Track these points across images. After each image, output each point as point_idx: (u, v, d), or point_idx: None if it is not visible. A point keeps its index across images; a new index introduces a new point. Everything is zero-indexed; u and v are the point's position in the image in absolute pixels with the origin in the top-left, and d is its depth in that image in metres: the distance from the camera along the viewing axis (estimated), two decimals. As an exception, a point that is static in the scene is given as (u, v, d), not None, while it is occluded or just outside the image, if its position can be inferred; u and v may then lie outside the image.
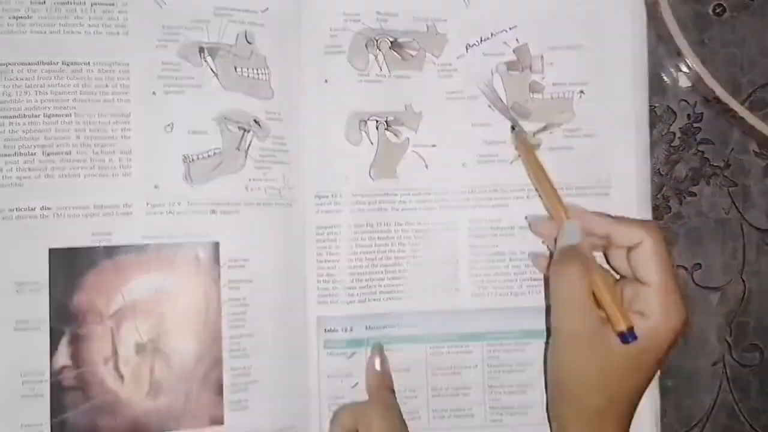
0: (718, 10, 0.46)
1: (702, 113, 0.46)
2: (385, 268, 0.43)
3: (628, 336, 0.35)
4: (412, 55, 0.44)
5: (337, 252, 0.43)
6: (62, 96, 0.39)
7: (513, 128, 0.43)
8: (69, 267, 0.39)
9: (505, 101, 0.44)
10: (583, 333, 0.36)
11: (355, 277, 0.43)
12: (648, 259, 0.36)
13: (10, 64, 0.39)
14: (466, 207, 0.44)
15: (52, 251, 0.39)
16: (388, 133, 0.43)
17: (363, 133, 0.43)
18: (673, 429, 0.44)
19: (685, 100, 0.46)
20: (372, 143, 0.43)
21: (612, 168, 0.44)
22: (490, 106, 0.44)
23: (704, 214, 0.46)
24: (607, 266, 0.40)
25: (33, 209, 0.39)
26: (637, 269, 0.37)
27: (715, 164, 0.46)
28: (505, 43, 0.44)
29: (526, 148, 0.42)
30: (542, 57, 0.44)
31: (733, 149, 0.46)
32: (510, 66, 0.44)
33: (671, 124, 0.46)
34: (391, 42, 0.43)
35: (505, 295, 0.44)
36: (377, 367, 0.42)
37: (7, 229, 0.39)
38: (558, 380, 0.38)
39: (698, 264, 0.46)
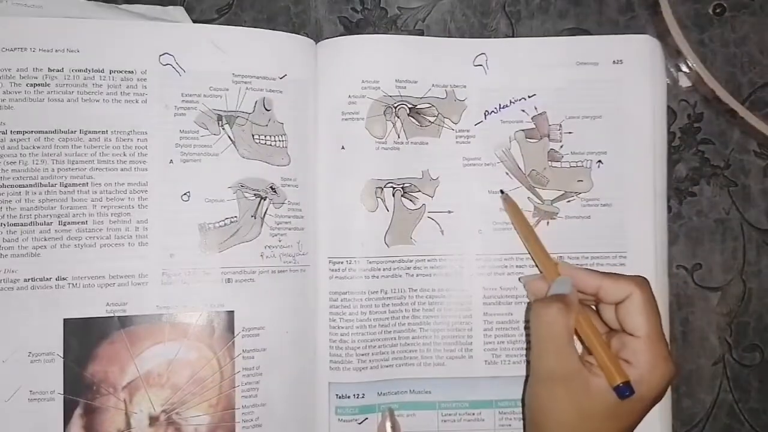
0: (718, 10, 0.46)
1: (702, 113, 0.46)
2: (399, 334, 0.43)
3: (624, 389, 0.35)
4: (430, 121, 0.43)
5: (350, 318, 0.42)
6: (79, 165, 0.39)
7: (502, 192, 0.43)
8: (83, 337, 0.39)
9: (522, 169, 0.44)
10: (560, 373, 0.36)
11: (368, 343, 0.43)
12: (636, 311, 0.37)
13: (26, 132, 0.39)
14: (480, 274, 0.44)
15: (66, 321, 0.39)
16: (404, 199, 0.43)
17: (379, 199, 0.43)
18: (673, 429, 0.44)
19: (685, 100, 0.46)
20: (388, 210, 0.43)
21: (630, 237, 0.43)
22: (507, 174, 0.44)
23: (704, 214, 0.46)
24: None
25: (48, 279, 0.39)
26: (625, 322, 0.37)
27: (715, 164, 0.46)
28: (523, 110, 0.44)
29: (515, 210, 0.42)
30: (561, 126, 0.44)
31: (733, 149, 0.46)
32: (528, 134, 0.44)
33: (671, 124, 0.46)
34: (410, 108, 0.43)
35: (518, 363, 0.43)
36: (388, 431, 0.42)
37: (22, 299, 0.39)
38: (534, 420, 0.38)
39: (698, 264, 0.46)
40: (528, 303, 0.43)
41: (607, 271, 0.40)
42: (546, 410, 0.37)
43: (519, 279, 0.43)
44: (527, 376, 0.42)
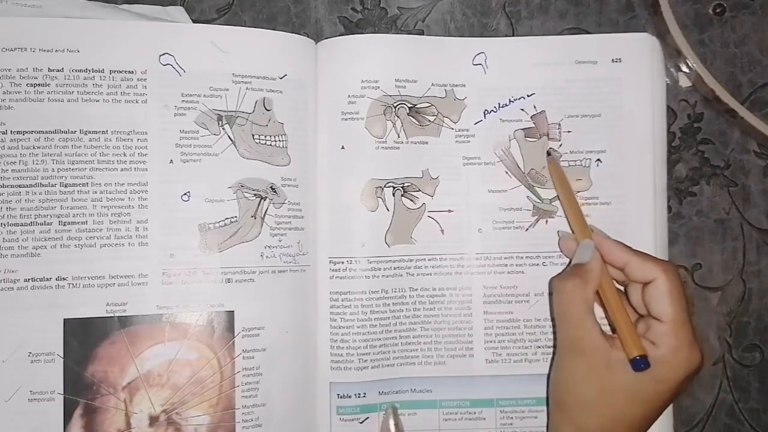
0: (718, 10, 0.46)
1: (702, 113, 0.46)
2: (399, 333, 0.43)
3: (640, 362, 0.35)
4: (430, 121, 0.44)
5: (351, 318, 0.42)
6: (79, 165, 0.39)
7: (548, 154, 0.43)
8: (83, 337, 0.39)
9: (521, 168, 0.44)
10: (580, 347, 0.37)
11: (369, 342, 0.42)
12: (662, 296, 0.36)
13: (27, 132, 0.39)
14: (481, 273, 0.44)
15: (66, 321, 0.39)
16: (404, 199, 0.43)
17: (379, 199, 0.43)
18: (673, 429, 0.44)
19: (685, 100, 0.46)
20: (388, 209, 0.43)
21: (629, 236, 0.43)
22: (507, 173, 0.44)
23: (704, 214, 0.46)
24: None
25: (48, 279, 0.39)
26: (650, 306, 0.37)
27: (715, 164, 0.46)
28: (522, 110, 0.44)
29: (557, 170, 0.43)
30: (559, 125, 0.44)
31: (733, 149, 0.46)
32: (527, 133, 0.44)
33: (671, 124, 0.46)
34: (409, 107, 0.43)
35: (519, 362, 0.43)
36: (391, 429, 0.42)
37: (22, 299, 0.38)
38: (556, 397, 0.39)
39: (698, 264, 0.46)
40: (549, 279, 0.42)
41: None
42: (568, 385, 0.38)
43: (557, 232, 0.43)
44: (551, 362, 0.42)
